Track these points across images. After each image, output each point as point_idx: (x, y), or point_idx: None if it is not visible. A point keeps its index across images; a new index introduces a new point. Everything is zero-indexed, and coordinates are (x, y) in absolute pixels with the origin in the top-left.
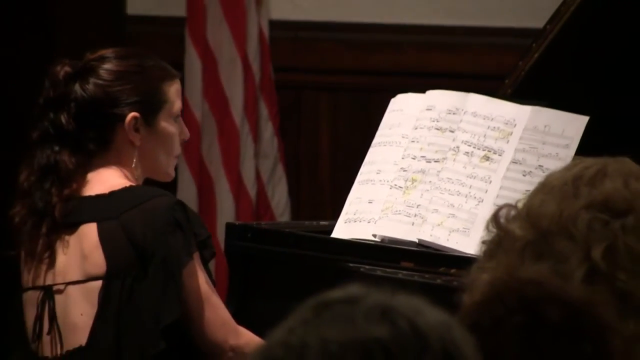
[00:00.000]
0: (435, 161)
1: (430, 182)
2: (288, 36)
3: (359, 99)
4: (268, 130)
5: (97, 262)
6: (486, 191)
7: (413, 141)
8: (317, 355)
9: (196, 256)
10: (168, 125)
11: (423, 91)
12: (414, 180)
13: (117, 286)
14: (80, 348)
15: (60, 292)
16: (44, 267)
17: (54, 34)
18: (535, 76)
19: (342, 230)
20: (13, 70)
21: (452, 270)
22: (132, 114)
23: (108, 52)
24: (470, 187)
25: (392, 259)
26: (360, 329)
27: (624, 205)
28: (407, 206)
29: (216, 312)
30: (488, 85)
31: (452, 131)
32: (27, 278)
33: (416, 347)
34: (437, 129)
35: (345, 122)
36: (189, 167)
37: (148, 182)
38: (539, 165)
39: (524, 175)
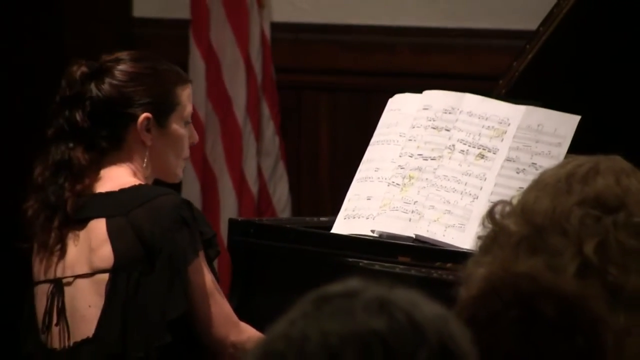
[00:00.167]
0: (432, 159)
1: (426, 179)
2: (289, 38)
3: (357, 99)
4: (270, 129)
5: (105, 255)
6: (481, 188)
7: (410, 140)
8: (317, 348)
9: (201, 254)
10: (179, 128)
11: (420, 91)
12: (411, 178)
13: (124, 279)
14: (87, 339)
15: (69, 284)
16: (54, 260)
17: (62, 36)
18: (528, 77)
19: (342, 226)
20: (22, 72)
21: (448, 265)
22: (145, 114)
23: (123, 54)
24: (466, 184)
25: (389, 253)
26: (359, 321)
27: (615, 201)
28: (405, 203)
29: (219, 309)
30: (483, 85)
31: (448, 130)
32: (38, 270)
33: (413, 340)
34: (434, 128)
35: (344, 121)
36: (193, 165)
37: (156, 181)
38: (533, 163)
39: (517, 173)
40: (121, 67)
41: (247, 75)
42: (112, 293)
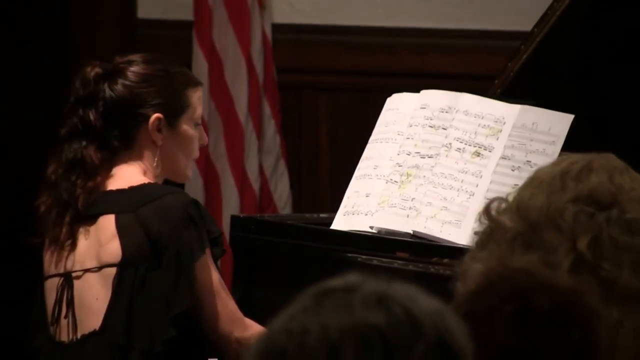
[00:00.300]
0: (429, 157)
1: (424, 176)
2: (289, 39)
3: (356, 99)
4: (271, 127)
5: (113, 250)
6: (477, 185)
7: (408, 138)
8: (317, 341)
9: (208, 251)
10: (189, 129)
11: (417, 91)
12: (408, 175)
13: (131, 274)
14: (94, 332)
15: (78, 278)
16: (65, 254)
17: (67, 36)
18: (523, 77)
19: (341, 222)
20: (26, 72)
21: (445, 260)
22: (156, 115)
23: (136, 57)
24: (462, 181)
25: (388, 249)
26: (358, 315)
27: (608, 198)
28: (402, 199)
29: (224, 305)
30: (479, 85)
31: (444, 128)
32: (48, 264)
33: (411, 334)
34: (431, 127)
35: (344, 121)
36: (196, 163)
37: (164, 181)
38: (527, 161)
39: (512, 170)
40: (134, 68)
41: (249, 75)
42: (119, 287)
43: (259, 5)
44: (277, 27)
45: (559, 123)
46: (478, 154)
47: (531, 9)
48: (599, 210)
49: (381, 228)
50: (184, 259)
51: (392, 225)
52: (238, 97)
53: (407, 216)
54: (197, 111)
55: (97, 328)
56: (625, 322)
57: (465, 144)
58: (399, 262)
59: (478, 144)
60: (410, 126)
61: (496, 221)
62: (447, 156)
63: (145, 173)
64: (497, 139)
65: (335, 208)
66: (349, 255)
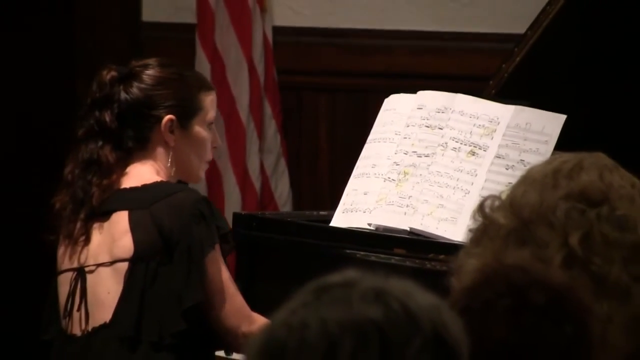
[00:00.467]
0: (426, 156)
1: (420, 175)
2: (290, 41)
3: (355, 100)
4: (272, 127)
5: (126, 245)
6: (472, 183)
7: (405, 138)
8: (316, 335)
9: (218, 247)
10: (201, 131)
11: (414, 92)
12: (405, 174)
13: (142, 268)
14: (104, 325)
15: (91, 272)
16: (78, 249)
17: (73, 39)
18: (517, 78)
19: (340, 219)
20: (32, 75)
21: (441, 256)
22: (169, 116)
23: (151, 61)
24: (458, 179)
25: (385, 246)
26: (356, 310)
27: (599, 196)
28: (400, 197)
29: (233, 300)
30: (474, 86)
31: (440, 128)
32: (62, 259)
33: (408, 328)
34: (427, 127)
35: (343, 121)
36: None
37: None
38: (521, 160)
39: (506, 169)
40: (149, 71)
41: (250, 76)
42: (130, 281)
43: (260, 8)
44: (277, 30)
45: (551, 123)
46: (473, 153)
47: (525, 12)
48: (590, 207)
49: (379, 225)
50: (195, 254)
51: (389, 222)
52: (240, 98)
53: (404, 213)
54: (209, 114)
55: (107, 321)
56: (614, 316)
57: (461, 144)
58: (396, 258)
59: (473, 144)
60: (407, 126)
61: (490, 218)
62: (443, 155)
63: (158, 172)
64: (492, 138)
65: (334, 206)
66: (348, 251)
